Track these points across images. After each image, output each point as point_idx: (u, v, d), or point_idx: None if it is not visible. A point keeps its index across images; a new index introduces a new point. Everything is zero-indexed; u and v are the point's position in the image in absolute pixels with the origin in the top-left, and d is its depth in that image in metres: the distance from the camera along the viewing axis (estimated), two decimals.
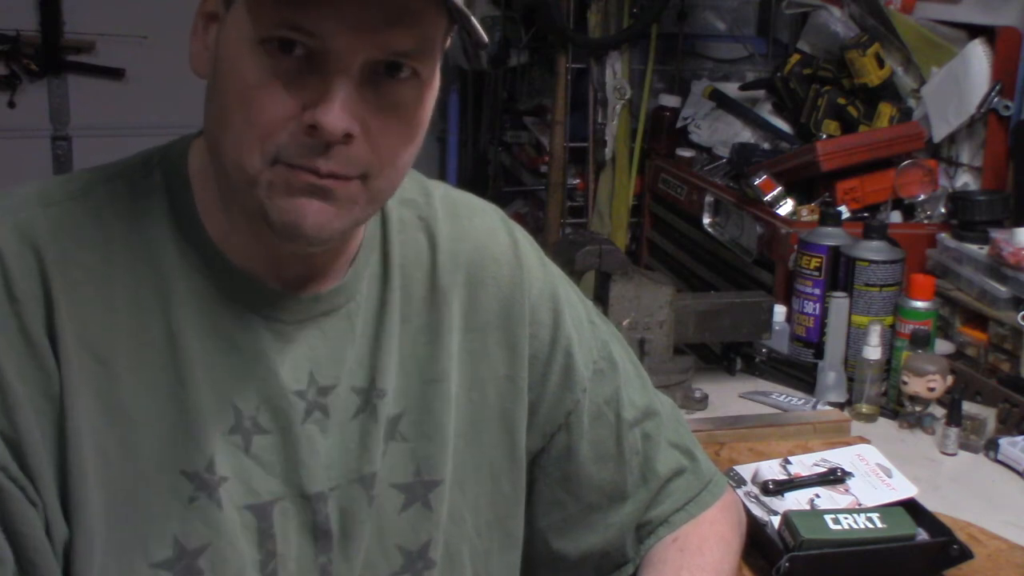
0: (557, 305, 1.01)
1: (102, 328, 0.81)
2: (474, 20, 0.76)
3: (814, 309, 1.82)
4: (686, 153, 2.88)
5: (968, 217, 2.00)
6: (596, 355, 1.03)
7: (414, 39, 0.76)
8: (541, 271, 1.02)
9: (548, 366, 1.00)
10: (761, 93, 2.75)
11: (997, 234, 1.86)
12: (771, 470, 1.33)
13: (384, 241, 0.93)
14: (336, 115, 0.74)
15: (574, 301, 1.04)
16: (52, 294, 0.79)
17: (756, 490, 1.30)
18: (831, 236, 1.84)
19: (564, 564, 1.05)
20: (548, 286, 1.02)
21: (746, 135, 2.70)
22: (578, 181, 3.29)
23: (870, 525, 1.17)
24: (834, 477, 1.31)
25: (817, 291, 1.82)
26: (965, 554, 1.18)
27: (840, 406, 1.69)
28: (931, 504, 1.27)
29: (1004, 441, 1.51)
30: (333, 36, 0.74)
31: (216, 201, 0.84)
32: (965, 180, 2.18)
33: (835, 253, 1.81)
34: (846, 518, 1.17)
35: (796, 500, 1.27)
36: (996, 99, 2.09)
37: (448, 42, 0.82)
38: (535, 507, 1.03)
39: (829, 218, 1.89)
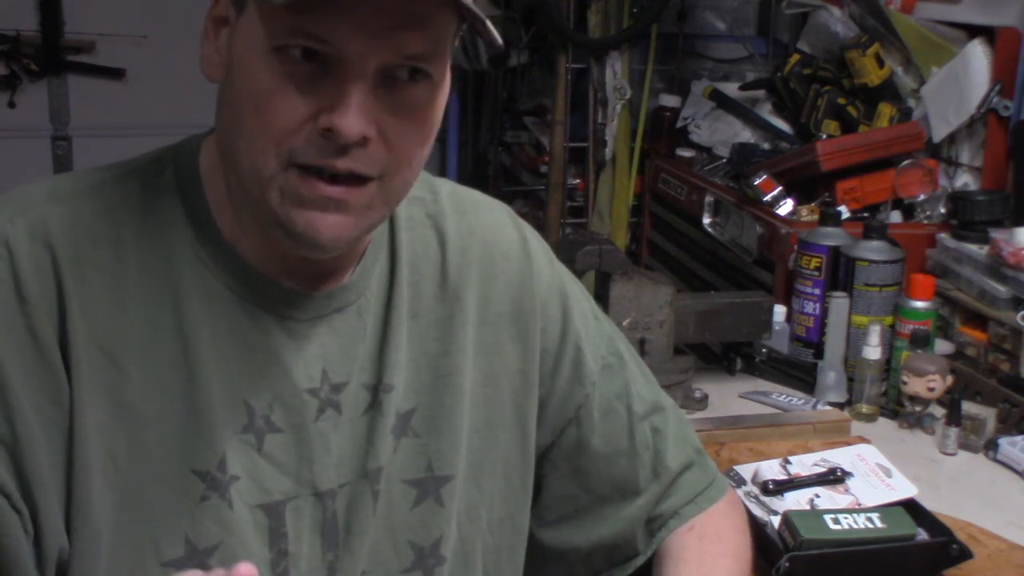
0: (566, 300, 1.02)
1: (113, 324, 0.80)
2: (488, 22, 0.76)
3: (814, 309, 1.82)
4: (686, 153, 2.87)
5: (968, 217, 2.00)
6: (604, 350, 1.04)
7: (426, 42, 0.76)
8: (549, 267, 1.03)
9: (558, 360, 1.00)
10: (761, 93, 2.75)
11: (997, 234, 1.86)
12: (771, 470, 1.33)
13: (392, 238, 0.94)
14: (352, 119, 0.75)
15: (580, 297, 1.05)
16: (64, 293, 0.79)
17: (756, 490, 1.30)
18: (831, 236, 1.84)
19: (575, 555, 1.05)
20: (556, 281, 1.02)
21: (746, 135, 2.70)
22: (578, 181, 3.28)
23: (870, 525, 1.17)
24: (834, 477, 1.31)
25: (817, 291, 1.82)
26: (965, 554, 1.18)
27: (840, 406, 1.69)
28: (931, 504, 1.27)
29: (1004, 441, 1.51)
30: (347, 42, 0.74)
31: (227, 200, 0.84)
32: (965, 180, 2.18)
33: (835, 253, 1.81)
34: (846, 518, 1.17)
35: (796, 500, 1.27)
36: (996, 99, 2.09)
37: (456, 42, 0.82)
38: (545, 501, 1.04)
39: (829, 218, 1.89)
